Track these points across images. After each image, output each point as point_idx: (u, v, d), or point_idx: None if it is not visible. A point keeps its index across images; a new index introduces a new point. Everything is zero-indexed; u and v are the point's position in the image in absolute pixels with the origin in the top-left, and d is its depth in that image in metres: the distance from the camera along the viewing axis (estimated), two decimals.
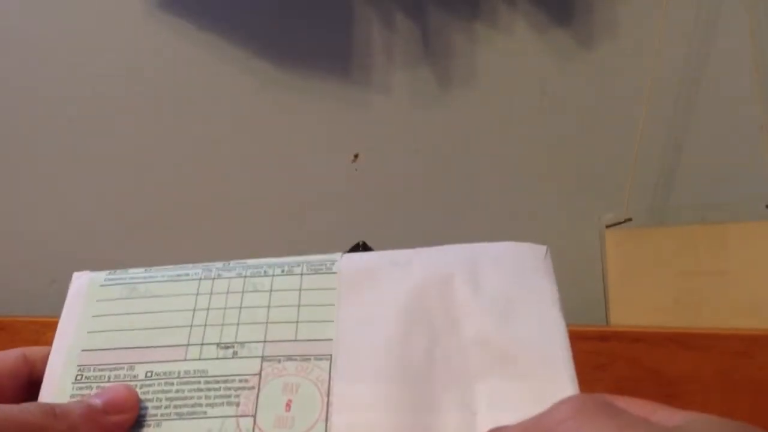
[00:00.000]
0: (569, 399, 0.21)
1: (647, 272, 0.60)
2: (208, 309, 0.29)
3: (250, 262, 0.31)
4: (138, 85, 0.67)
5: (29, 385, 0.28)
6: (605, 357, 0.56)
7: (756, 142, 0.60)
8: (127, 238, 0.70)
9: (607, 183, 0.63)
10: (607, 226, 0.62)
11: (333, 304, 0.29)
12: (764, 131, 0.59)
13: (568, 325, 0.28)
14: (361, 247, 0.65)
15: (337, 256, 0.31)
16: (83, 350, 0.29)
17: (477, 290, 0.29)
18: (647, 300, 0.60)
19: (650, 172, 0.62)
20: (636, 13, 0.61)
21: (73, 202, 0.70)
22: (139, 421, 0.26)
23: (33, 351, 0.29)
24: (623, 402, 0.23)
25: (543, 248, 0.31)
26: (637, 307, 0.60)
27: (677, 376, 0.56)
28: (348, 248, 0.66)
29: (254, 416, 0.26)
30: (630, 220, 0.62)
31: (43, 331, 0.62)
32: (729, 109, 0.61)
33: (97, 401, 0.26)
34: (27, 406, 0.24)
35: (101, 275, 0.31)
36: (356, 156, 0.67)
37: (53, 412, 0.25)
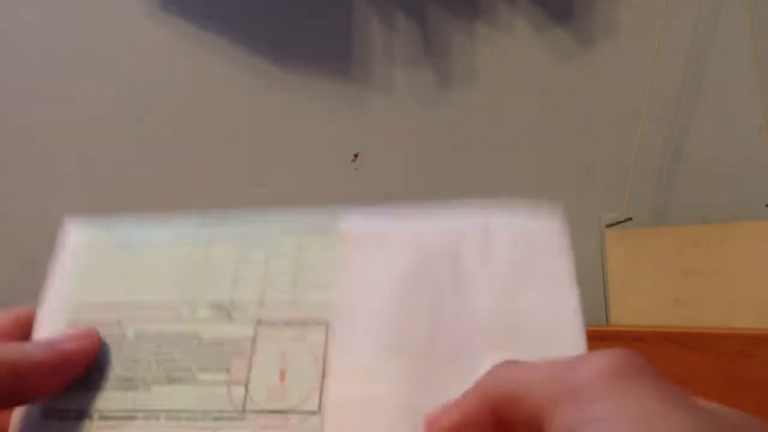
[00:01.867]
0: (600, 354, 0.18)
1: (647, 272, 0.60)
2: (203, 263, 0.28)
3: (249, 216, 0.29)
4: (138, 85, 0.67)
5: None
6: None
7: (756, 142, 0.60)
8: None
9: (607, 183, 0.63)
10: (608, 226, 0.62)
11: (333, 266, 0.27)
12: (764, 131, 0.59)
13: None
14: None
15: (341, 214, 0.29)
16: (72, 304, 0.28)
17: (487, 258, 0.27)
18: (647, 300, 0.60)
19: (650, 172, 0.62)
20: (636, 13, 0.61)
21: (74, 202, 0.70)
22: (128, 383, 0.26)
23: (28, 311, 0.28)
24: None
25: (558, 212, 0.29)
26: (637, 307, 0.60)
27: (677, 376, 0.56)
28: None
29: (246, 385, 0.25)
30: (630, 219, 0.62)
31: None
32: (729, 109, 0.61)
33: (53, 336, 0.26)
34: None
35: (95, 228, 0.30)
36: (356, 156, 0.67)
37: (5, 341, 0.24)
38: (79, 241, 0.30)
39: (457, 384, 0.23)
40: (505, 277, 0.27)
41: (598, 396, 0.17)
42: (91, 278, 0.28)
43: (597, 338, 0.56)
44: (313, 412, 0.24)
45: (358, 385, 0.25)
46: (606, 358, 0.18)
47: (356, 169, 0.67)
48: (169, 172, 0.69)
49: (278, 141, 0.67)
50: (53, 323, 0.27)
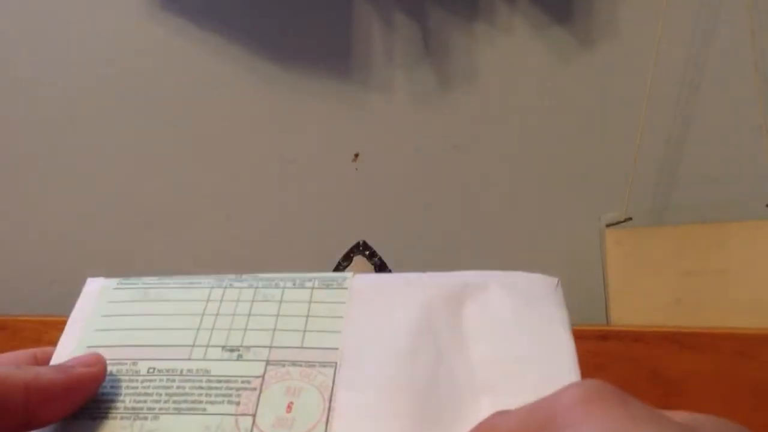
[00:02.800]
0: (577, 384, 0.20)
1: (647, 272, 0.60)
2: (216, 315, 0.29)
3: (263, 275, 0.31)
4: (138, 85, 0.67)
5: None
6: (605, 357, 0.56)
7: (756, 142, 0.60)
8: (128, 238, 0.70)
9: (607, 183, 0.63)
10: (608, 226, 0.62)
11: (342, 316, 0.29)
12: (764, 131, 0.59)
13: None
14: (362, 246, 0.65)
15: (349, 274, 0.31)
16: (89, 346, 0.29)
17: (486, 311, 0.29)
18: (647, 300, 0.60)
19: (650, 172, 0.63)
20: (636, 13, 0.61)
21: (74, 202, 0.70)
22: (137, 413, 0.26)
23: (45, 351, 0.29)
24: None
25: (554, 280, 0.31)
26: (637, 307, 0.60)
27: (677, 375, 0.56)
28: (348, 247, 0.66)
29: (254, 415, 0.26)
30: (630, 219, 0.62)
31: (44, 330, 0.62)
32: (729, 109, 0.61)
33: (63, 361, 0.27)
34: None
35: (114, 281, 0.32)
36: (356, 156, 0.67)
37: (19, 365, 0.25)
38: (98, 294, 0.31)
39: (457, 423, 0.25)
40: (503, 330, 0.28)
41: (574, 423, 0.19)
42: (107, 325, 0.30)
43: (597, 338, 0.56)
44: None
45: (362, 423, 0.26)
46: (578, 388, 0.20)
47: (356, 169, 0.67)
48: (169, 172, 0.69)
49: (278, 141, 0.67)
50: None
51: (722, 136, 0.62)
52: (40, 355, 0.29)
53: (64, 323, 0.30)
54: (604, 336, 0.57)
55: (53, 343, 0.30)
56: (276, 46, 0.65)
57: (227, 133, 0.67)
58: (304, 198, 0.68)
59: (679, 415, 0.21)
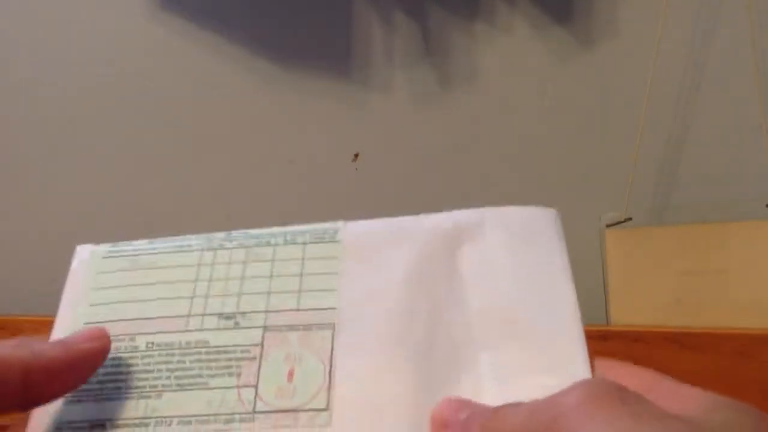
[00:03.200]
0: (580, 384, 0.20)
1: (647, 272, 0.60)
2: (210, 280, 0.29)
3: (253, 231, 0.30)
4: (138, 85, 0.67)
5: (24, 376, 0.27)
6: (605, 357, 0.56)
7: (756, 142, 0.60)
8: (128, 238, 0.70)
9: (607, 183, 0.63)
10: (607, 226, 0.62)
11: (336, 273, 0.28)
12: (764, 131, 0.59)
13: None
14: None
15: (340, 224, 0.30)
16: (85, 323, 0.29)
17: (483, 257, 0.28)
18: (647, 300, 0.60)
19: (650, 172, 0.63)
20: (636, 13, 0.61)
21: (74, 202, 0.70)
22: (140, 392, 0.26)
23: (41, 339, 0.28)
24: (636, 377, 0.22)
25: (552, 212, 0.29)
26: (637, 307, 0.60)
27: (677, 375, 0.56)
28: None
29: (256, 386, 0.26)
30: (630, 219, 0.62)
31: (44, 330, 0.62)
32: (729, 109, 0.61)
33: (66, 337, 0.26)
34: None
35: (104, 248, 0.32)
36: (356, 156, 0.67)
37: (18, 342, 0.24)
38: (87, 265, 0.31)
39: (457, 382, 0.25)
40: (501, 277, 0.27)
41: (578, 424, 0.19)
42: (101, 299, 0.29)
43: (597, 338, 0.56)
44: (322, 410, 0.25)
45: (363, 385, 0.25)
46: (582, 388, 0.20)
47: (356, 169, 0.67)
48: (169, 172, 0.69)
49: (278, 141, 0.67)
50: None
51: (722, 136, 0.62)
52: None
53: None
54: (604, 336, 0.57)
55: None
56: (276, 46, 0.65)
57: (227, 133, 0.67)
58: (304, 198, 0.68)
59: (694, 396, 0.21)
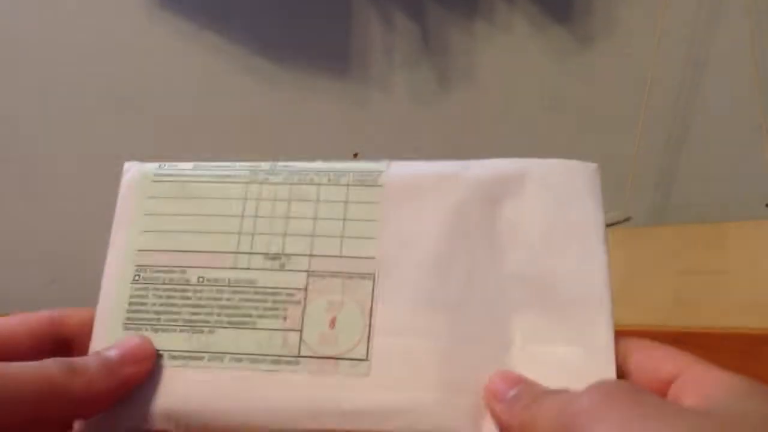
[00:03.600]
0: (597, 385, 0.21)
1: (647, 272, 0.60)
2: (255, 216, 0.30)
3: (298, 165, 0.31)
4: (138, 85, 0.67)
5: (54, 346, 0.27)
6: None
7: (756, 142, 0.60)
8: None
9: (607, 183, 0.63)
10: (608, 226, 0.62)
11: (377, 220, 0.29)
12: (764, 131, 0.59)
13: None
14: None
15: (383, 165, 0.30)
16: (138, 250, 0.29)
17: (521, 217, 0.28)
18: (647, 300, 0.60)
19: (650, 172, 0.63)
20: (635, 12, 0.61)
21: (74, 202, 0.70)
22: (194, 326, 0.27)
23: (63, 312, 0.28)
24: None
25: (592, 166, 0.31)
26: (637, 307, 0.60)
27: None
28: None
29: (300, 331, 0.27)
30: (630, 219, 0.62)
31: None
32: (729, 109, 0.61)
33: (113, 353, 0.26)
34: (45, 363, 0.23)
35: (151, 168, 0.32)
36: (356, 155, 0.67)
37: (72, 367, 0.24)
38: (137, 186, 0.32)
39: (488, 341, 0.26)
40: (537, 239, 0.28)
41: (594, 422, 0.20)
42: (152, 226, 0.30)
43: None
44: (362, 359, 0.26)
45: (400, 337, 0.26)
46: (599, 389, 0.21)
47: None
48: None
49: (278, 141, 0.67)
50: (124, 267, 0.29)
51: (722, 136, 0.62)
52: (56, 316, 0.28)
53: None
54: None
55: None
56: (276, 46, 0.65)
57: (227, 132, 0.67)
58: None
59: (725, 381, 0.22)
